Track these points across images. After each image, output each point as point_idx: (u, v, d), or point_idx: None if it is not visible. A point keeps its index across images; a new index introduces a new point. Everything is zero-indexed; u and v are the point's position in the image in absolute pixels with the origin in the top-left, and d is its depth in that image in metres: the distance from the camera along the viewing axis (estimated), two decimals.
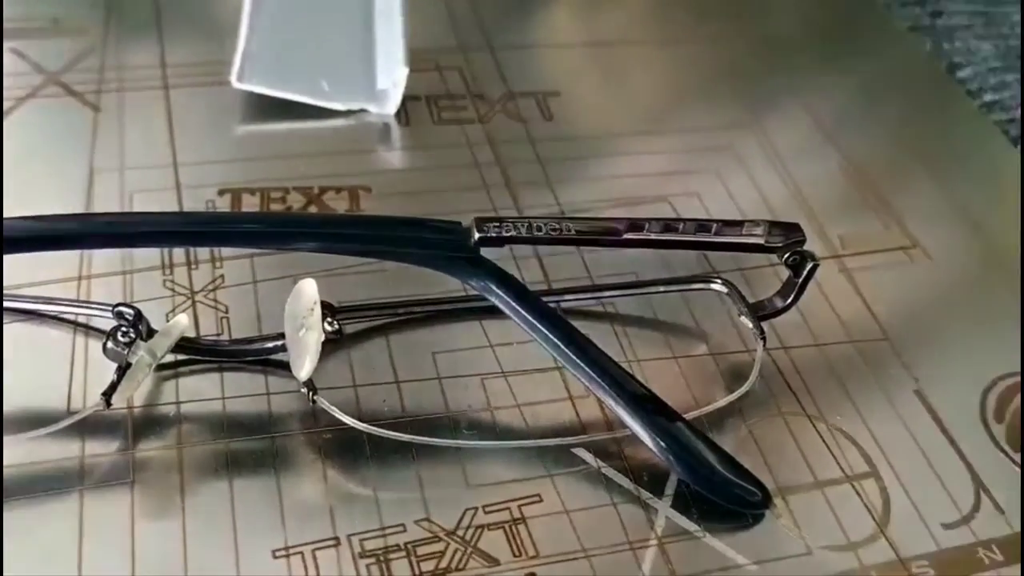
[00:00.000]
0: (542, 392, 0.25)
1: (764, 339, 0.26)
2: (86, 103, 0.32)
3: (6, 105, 0.32)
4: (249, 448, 0.24)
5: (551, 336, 0.23)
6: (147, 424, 0.24)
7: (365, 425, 0.23)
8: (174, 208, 0.29)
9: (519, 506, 0.23)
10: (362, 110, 0.33)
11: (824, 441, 0.25)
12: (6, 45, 0.34)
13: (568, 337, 0.23)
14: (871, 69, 0.38)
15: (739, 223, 0.25)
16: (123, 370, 0.23)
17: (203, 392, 0.25)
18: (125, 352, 0.23)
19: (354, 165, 0.31)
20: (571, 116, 0.34)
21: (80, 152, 0.31)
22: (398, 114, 0.33)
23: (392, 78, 0.33)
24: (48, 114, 0.32)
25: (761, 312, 0.26)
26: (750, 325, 0.26)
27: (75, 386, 0.25)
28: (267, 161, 0.31)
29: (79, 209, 0.29)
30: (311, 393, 0.23)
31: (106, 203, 0.29)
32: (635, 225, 0.24)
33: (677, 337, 0.27)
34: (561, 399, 0.25)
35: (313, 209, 0.30)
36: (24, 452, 0.23)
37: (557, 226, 0.24)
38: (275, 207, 0.30)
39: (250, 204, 0.30)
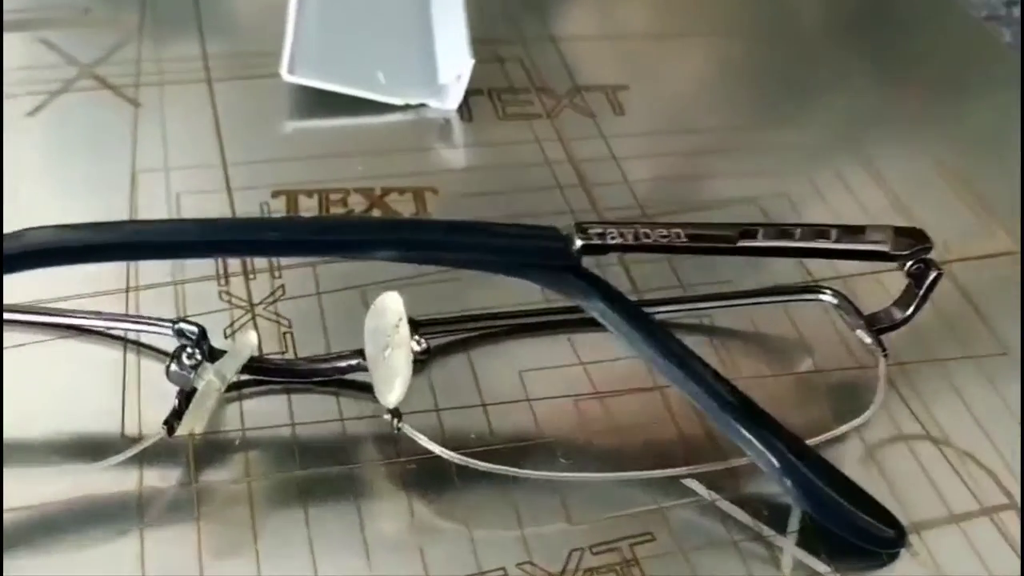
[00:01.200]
0: (642, 415, 0.23)
1: (886, 355, 0.23)
2: (125, 97, 0.30)
3: (37, 100, 0.30)
4: (325, 479, 0.21)
5: (664, 357, 0.21)
6: (210, 452, 0.22)
7: (453, 454, 0.21)
8: (226, 212, 0.27)
9: (630, 545, 0.21)
10: (421, 105, 0.31)
11: (954, 468, 0.23)
12: (34, 35, 0.32)
13: (682, 358, 0.21)
14: (953, 63, 0.35)
15: (860, 229, 0.23)
16: (186, 395, 0.21)
17: (270, 417, 0.22)
18: (191, 376, 0.21)
19: (416, 164, 0.29)
20: (643, 111, 0.32)
21: (121, 150, 0.28)
22: (460, 109, 0.31)
23: (455, 70, 0.30)
24: (84, 109, 0.30)
25: (878, 325, 0.24)
26: (867, 339, 0.24)
27: (128, 409, 0.22)
28: (322, 160, 0.29)
29: (124, 213, 0.26)
30: (396, 420, 0.21)
31: (152, 205, 0.27)
32: (748, 232, 0.22)
33: (780, 352, 0.25)
34: (663, 422, 0.23)
35: (376, 212, 0.27)
36: (71, 484, 0.21)
37: (666, 233, 0.21)
38: (335, 210, 0.27)
39: (308, 207, 0.27)
